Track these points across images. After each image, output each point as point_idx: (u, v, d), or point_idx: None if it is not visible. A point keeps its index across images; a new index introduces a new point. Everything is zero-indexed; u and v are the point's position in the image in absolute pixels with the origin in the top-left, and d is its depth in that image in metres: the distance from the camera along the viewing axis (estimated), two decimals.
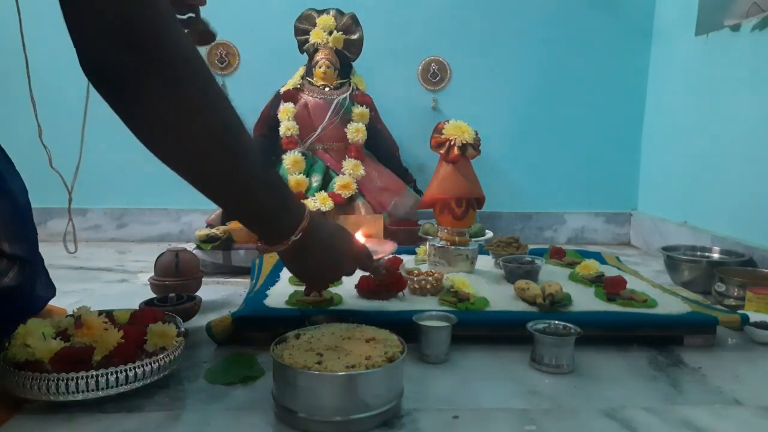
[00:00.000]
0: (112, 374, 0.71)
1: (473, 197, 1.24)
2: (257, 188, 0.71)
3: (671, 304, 1.03)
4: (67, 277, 1.46)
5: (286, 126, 1.67)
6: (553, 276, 1.19)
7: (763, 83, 1.41)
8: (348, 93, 1.73)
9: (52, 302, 0.95)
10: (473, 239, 1.34)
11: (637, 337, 0.97)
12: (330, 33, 1.71)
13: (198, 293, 1.10)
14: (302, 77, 1.75)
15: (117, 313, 0.87)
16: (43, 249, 0.91)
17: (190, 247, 1.41)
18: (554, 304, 0.98)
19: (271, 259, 1.36)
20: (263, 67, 1.92)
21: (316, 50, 1.73)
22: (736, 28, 1.52)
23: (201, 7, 0.91)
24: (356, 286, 1.07)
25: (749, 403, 0.77)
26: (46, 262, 0.93)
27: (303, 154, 1.67)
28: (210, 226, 1.60)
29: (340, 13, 1.75)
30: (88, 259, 1.70)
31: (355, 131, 1.68)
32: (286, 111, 1.69)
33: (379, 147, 1.79)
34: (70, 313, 0.84)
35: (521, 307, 1.01)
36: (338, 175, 1.65)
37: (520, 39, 1.98)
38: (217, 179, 0.69)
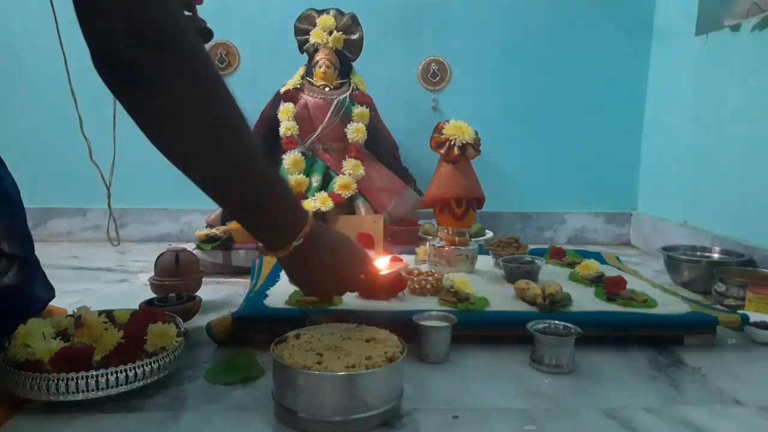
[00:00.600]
0: (112, 374, 0.71)
1: (473, 197, 1.24)
2: (259, 189, 0.70)
3: (671, 304, 1.03)
4: (67, 277, 1.46)
5: (286, 126, 1.67)
6: (553, 276, 1.19)
7: (763, 83, 1.41)
8: (348, 93, 1.73)
9: (52, 302, 0.95)
10: (473, 239, 1.34)
11: (637, 337, 0.97)
12: (330, 33, 1.71)
13: (198, 293, 1.10)
14: (302, 77, 1.75)
15: (117, 313, 0.87)
16: (44, 249, 0.91)
17: (190, 247, 1.41)
18: (554, 304, 0.98)
19: (271, 259, 1.36)
20: (263, 67, 1.92)
21: (316, 50, 1.73)
22: (736, 28, 1.52)
23: (198, 6, 0.92)
24: None
25: (749, 403, 0.77)
26: (47, 262, 0.93)
27: (303, 154, 1.67)
28: (210, 226, 1.60)
29: (340, 13, 1.75)
30: (88, 259, 1.70)
31: (355, 131, 1.68)
32: (286, 111, 1.69)
33: (379, 147, 1.79)
34: (70, 313, 0.84)
35: (521, 307, 1.01)
36: (338, 175, 1.65)
37: (520, 39, 1.98)
38: (219, 177, 0.68)
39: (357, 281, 0.79)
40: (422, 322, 0.89)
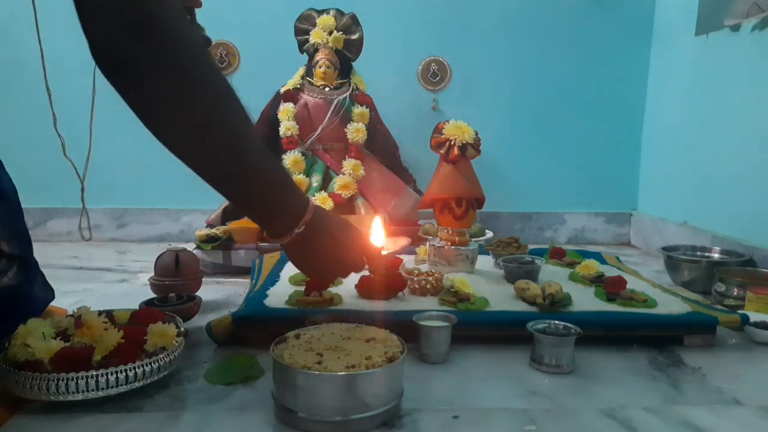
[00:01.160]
0: (112, 374, 0.71)
1: (473, 197, 1.24)
2: (260, 178, 0.70)
3: (671, 304, 1.03)
4: (67, 277, 1.46)
5: (286, 126, 1.67)
6: (553, 276, 1.19)
7: (763, 83, 1.41)
8: (348, 93, 1.73)
9: (52, 303, 0.95)
10: (473, 239, 1.34)
11: (637, 337, 0.97)
12: (330, 33, 1.71)
13: (198, 293, 1.10)
14: (302, 77, 1.75)
15: (117, 313, 0.87)
16: (44, 249, 0.91)
17: (190, 247, 1.41)
18: (554, 304, 0.98)
19: (271, 259, 1.36)
20: (263, 67, 1.91)
21: (316, 50, 1.73)
22: (736, 28, 1.52)
23: (197, 9, 0.92)
24: (356, 286, 1.07)
25: (749, 403, 0.77)
26: (47, 262, 0.93)
27: (303, 154, 1.67)
28: (210, 226, 1.60)
29: (340, 13, 1.75)
30: (88, 259, 1.70)
31: (355, 131, 1.68)
32: (286, 111, 1.69)
33: (379, 147, 1.79)
34: (70, 313, 0.84)
35: (521, 307, 1.01)
36: (338, 175, 1.65)
37: (520, 39, 1.98)
38: (220, 168, 0.68)
39: (358, 264, 0.81)
40: (422, 322, 0.89)
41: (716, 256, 1.48)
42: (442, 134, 1.23)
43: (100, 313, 0.81)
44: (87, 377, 0.70)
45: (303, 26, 1.75)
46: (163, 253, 1.14)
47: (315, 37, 1.71)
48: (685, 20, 1.75)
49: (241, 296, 1.20)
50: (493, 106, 1.99)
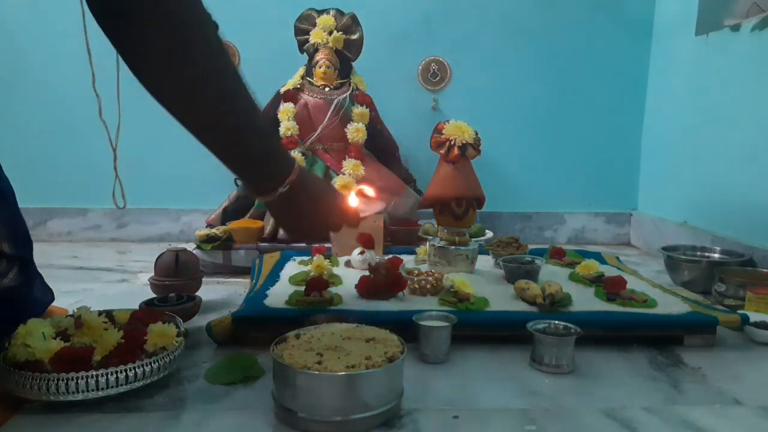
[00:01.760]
0: (112, 374, 0.71)
1: (473, 197, 1.24)
2: (247, 134, 0.72)
3: (671, 304, 1.03)
4: (67, 277, 1.46)
5: (286, 126, 1.67)
6: (553, 276, 1.19)
7: (763, 83, 1.41)
8: (348, 93, 1.73)
9: (52, 304, 0.95)
10: (473, 239, 1.34)
11: (637, 337, 0.97)
12: (330, 33, 1.71)
13: (198, 293, 1.10)
14: (302, 77, 1.75)
15: (117, 313, 0.87)
16: (44, 249, 0.91)
17: (190, 247, 1.41)
18: (554, 304, 0.98)
19: (271, 259, 1.36)
20: (263, 67, 1.91)
21: (316, 50, 1.73)
22: (736, 28, 1.52)
23: None
24: (356, 286, 1.07)
25: (749, 403, 0.77)
26: (47, 262, 0.93)
27: (303, 154, 1.67)
28: (210, 226, 1.60)
29: (340, 13, 1.75)
30: (88, 259, 1.70)
31: (355, 131, 1.68)
32: (286, 111, 1.69)
33: (379, 147, 1.79)
34: (70, 313, 0.84)
35: (521, 307, 1.01)
36: (338, 175, 1.65)
37: (520, 39, 1.98)
38: (209, 124, 0.69)
39: (336, 224, 0.85)
40: (422, 322, 0.89)
41: (716, 256, 1.48)
42: (442, 134, 1.23)
43: (100, 313, 0.81)
44: (87, 377, 0.70)
45: (303, 26, 1.75)
46: (163, 253, 1.14)
47: (315, 37, 1.71)
48: (685, 20, 1.75)
49: (241, 296, 1.20)
50: (493, 105, 1.99)
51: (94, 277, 1.48)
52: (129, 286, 1.38)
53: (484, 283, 1.16)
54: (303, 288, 1.05)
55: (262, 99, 1.79)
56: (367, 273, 1.09)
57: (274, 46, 1.88)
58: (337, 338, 0.76)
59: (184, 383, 0.80)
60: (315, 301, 1.00)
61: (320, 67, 1.71)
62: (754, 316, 1.02)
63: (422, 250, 1.36)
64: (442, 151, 1.23)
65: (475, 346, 0.94)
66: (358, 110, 1.71)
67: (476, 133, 1.24)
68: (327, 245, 1.45)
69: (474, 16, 1.96)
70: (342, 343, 0.74)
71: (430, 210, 1.29)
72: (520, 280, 1.06)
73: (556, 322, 0.89)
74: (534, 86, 2.00)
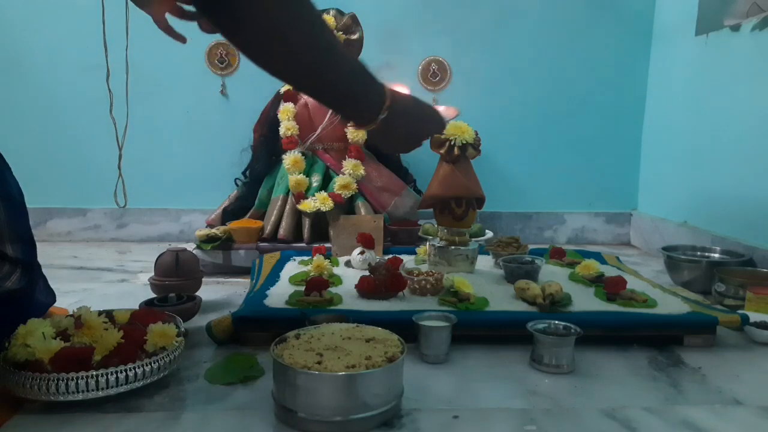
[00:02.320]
0: (112, 374, 0.71)
1: (473, 197, 1.24)
2: (350, 79, 0.75)
3: (671, 304, 1.03)
4: (67, 277, 1.46)
5: (287, 126, 1.67)
6: (553, 276, 1.19)
7: (763, 83, 1.41)
8: None
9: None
10: (473, 239, 1.34)
11: (637, 337, 0.97)
12: None
13: (198, 293, 1.10)
14: None
15: (117, 313, 0.87)
16: (44, 249, 0.91)
17: (190, 247, 1.41)
18: (554, 304, 0.98)
19: (271, 259, 1.36)
20: None
21: None
22: (736, 28, 1.52)
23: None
24: (356, 286, 1.07)
25: (749, 403, 0.77)
26: (47, 262, 0.93)
27: (303, 154, 1.67)
28: (210, 226, 1.60)
29: (340, 13, 1.75)
30: (88, 259, 1.70)
31: (355, 131, 1.68)
32: (286, 111, 1.69)
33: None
34: (71, 313, 0.84)
35: (521, 307, 1.01)
36: (338, 175, 1.65)
37: (520, 39, 1.98)
38: (315, 78, 0.73)
39: (431, 132, 0.93)
40: (422, 322, 0.89)
41: (716, 256, 1.48)
42: (442, 134, 1.23)
43: (100, 313, 0.81)
44: (87, 377, 0.70)
45: None
46: (163, 253, 1.14)
47: None
48: (685, 20, 1.75)
49: (241, 296, 1.20)
50: (493, 106, 1.99)
51: (94, 277, 1.48)
52: (129, 286, 1.38)
53: (484, 283, 1.16)
54: (303, 288, 1.06)
55: (263, 99, 1.79)
56: (367, 273, 1.09)
57: None
58: (337, 338, 0.76)
59: (184, 383, 0.80)
60: (315, 301, 1.00)
61: None
62: (754, 316, 1.02)
63: (422, 250, 1.36)
64: (442, 151, 1.23)
65: (475, 346, 0.94)
66: None
67: (476, 133, 1.24)
68: (327, 245, 1.45)
69: (474, 17, 1.96)
70: (342, 343, 0.74)
71: (430, 210, 1.29)
72: (520, 280, 1.06)
73: (556, 322, 0.89)
74: (534, 86, 2.00)
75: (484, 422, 0.70)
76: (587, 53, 1.99)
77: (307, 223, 1.55)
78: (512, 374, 0.85)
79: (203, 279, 1.18)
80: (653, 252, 1.83)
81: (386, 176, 1.73)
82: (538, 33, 1.97)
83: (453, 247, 1.23)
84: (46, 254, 0.94)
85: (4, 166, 0.84)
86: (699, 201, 1.68)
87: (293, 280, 1.16)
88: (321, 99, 0.82)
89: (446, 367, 0.87)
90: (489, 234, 1.61)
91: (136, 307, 0.96)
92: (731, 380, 0.84)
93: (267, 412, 0.71)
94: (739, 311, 1.04)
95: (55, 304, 0.96)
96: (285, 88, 1.74)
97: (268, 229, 1.55)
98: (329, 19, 1.71)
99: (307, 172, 1.66)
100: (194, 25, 0.88)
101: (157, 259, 1.13)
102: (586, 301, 1.04)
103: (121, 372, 0.71)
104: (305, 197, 1.58)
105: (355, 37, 1.74)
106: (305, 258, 1.35)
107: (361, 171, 1.64)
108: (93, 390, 0.70)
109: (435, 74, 1.98)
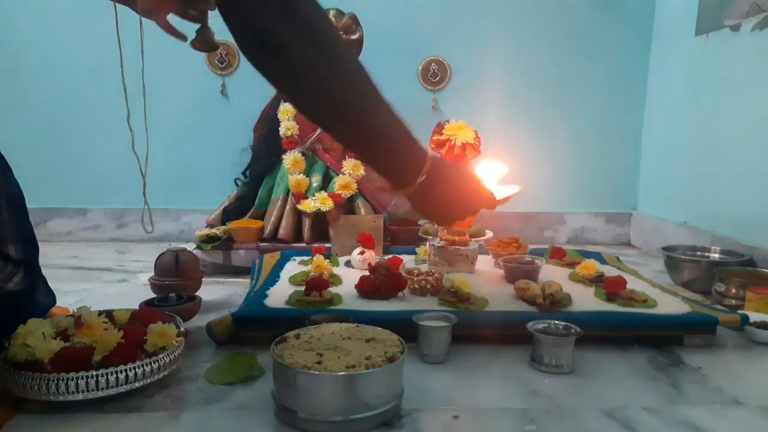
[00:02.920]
0: (112, 374, 0.71)
1: None
2: (388, 138, 0.75)
3: (671, 304, 1.03)
4: (67, 277, 1.46)
5: (287, 126, 1.67)
6: (553, 276, 1.19)
7: (763, 83, 1.41)
8: None
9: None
10: (473, 239, 1.34)
11: (637, 337, 0.97)
12: None
13: (198, 293, 1.10)
14: None
15: (117, 313, 0.87)
16: (44, 249, 0.91)
17: (190, 247, 1.41)
18: (554, 304, 0.98)
19: (271, 259, 1.36)
20: None
21: None
22: (736, 28, 1.52)
23: (210, 12, 0.92)
24: (356, 286, 1.07)
25: (749, 403, 0.77)
26: (47, 262, 0.93)
27: (303, 154, 1.67)
28: (210, 226, 1.60)
29: (340, 13, 1.75)
30: (88, 259, 1.70)
31: None
32: (286, 111, 1.69)
33: None
34: (71, 313, 0.84)
35: (521, 307, 1.01)
36: (338, 175, 1.65)
37: (520, 39, 1.98)
38: (354, 133, 0.74)
39: (476, 208, 0.86)
40: (422, 322, 0.89)
41: (716, 256, 1.48)
42: (442, 134, 1.23)
43: (100, 313, 0.81)
44: (87, 377, 0.70)
45: None
46: (163, 253, 1.14)
47: None
48: (685, 20, 1.75)
49: (241, 296, 1.20)
50: (493, 106, 1.99)
51: (94, 277, 1.48)
52: (129, 286, 1.38)
53: (484, 283, 1.16)
54: (303, 288, 1.05)
55: (262, 99, 1.79)
56: (367, 273, 1.09)
57: None
58: (337, 338, 0.76)
59: (184, 383, 0.80)
60: (315, 301, 1.00)
61: None
62: (754, 316, 1.02)
63: (422, 250, 1.36)
64: (442, 151, 1.23)
65: (475, 346, 0.94)
66: None
67: (476, 133, 1.24)
68: (327, 245, 1.45)
69: (474, 17, 1.96)
70: (342, 343, 0.74)
71: None
72: (520, 280, 1.06)
73: (556, 322, 0.89)
74: (534, 86, 2.00)
75: (484, 422, 0.70)
76: (587, 53, 1.99)
77: (307, 223, 1.55)
78: (512, 374, 0.85)
79: (203, 279, 1.18)
80: (653, 252, 1.83)
81: None
82: (538, 33, 1.97)
83: (453, 247, 1.23)
84: (46, 254, 0.94)
85: (6, 167, 0.84)
86: (699, 201, 1.68)
87: (293, 280, 1.16)
88: (361, 153, 0.81)
89: (446, 367, 0.87)
90: (489, 234, 1.61)
91: (136, 307, 0.96)
92: (731, 380, 0.84)
93: (267, 412, 0.71)
94: (739, 311, 1.04)
95: (56, 304, 0.96)
96: None
97: (268, 229, 1.55)
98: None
99: (307, 172, 1.66)
100: (194, 25, 0.88)
101: (157, 259, 1.13)
102: (586, 301, 1.04)
103: (121, 372, 0.71)
104: (305, 197, 1.58)
105: (355, 37, 1.74)
106: (305, 258, 1.35)
107: (361, 171, 1.64)
108: (93, 390, 0.70)
109: (435, 74, 1.98)
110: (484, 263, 1.32)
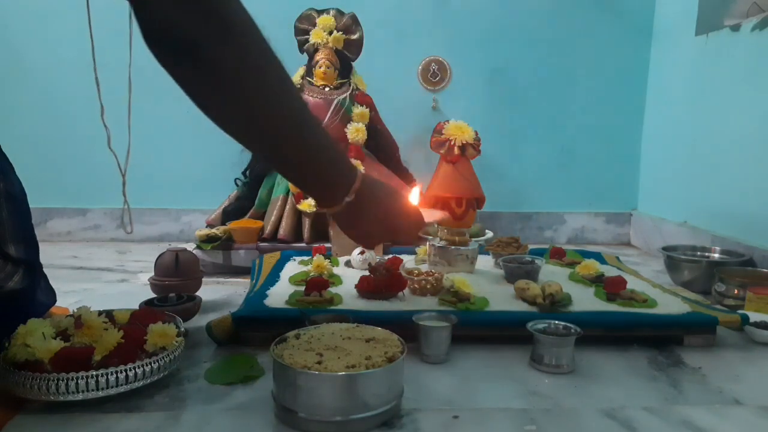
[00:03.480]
0: (112, 374, 0.71)
1: (473, 197, 1.24)
2: (310, 151, 0.71)
3: (671, 304, 1.03)
4: (67, 277, 1.46)
5: None
6: (553, 276, 1.19)
7: (763, 83, 1.41)
8: (348, 93, 1.73)
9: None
10: (473, 239, 1.34)
11: (637, 337, 0.97)
12: (330, 33, 1.71)
13: (198, 293, 1.10)
14: (302, 77, 1.75)
15: (117, 313, 0.87)
16: (44, 249, 0.91)
17: (190, 247, 1.41)
18: (554, 304, 0.98)
19: (271, 259, 1.36)
20: None
21: (316, 50, 1.73)
22: (736, 28, 1.52)
23: None
24: (356, 286, 1.07)
25: (749, 403, 0.77)
26: (47, 262, 0.93)
27: None
28: (210, 226, 1.60)
29: (340, 13, 1.75)
30: (88, 259, 1.70)
31: (355, 131, 1.68)
32: None
33: (379, 147, 1.79)
34: (71, 313, 0.84)
35: (521, 307, 1.01)
36: None
37: (520, 39, 1.98)
38: (275, 147, 0.70)
39: (405, 232, 0.82)
40: (422, 322, 0.89)
41: (716, 256, 1.48)
42: (442, 134, 1.23)
43: (100, 313, 0.81)
44: (87, 377, 0.70)
45: (303, 26, 1.75)
46: (163, 253, 1.14)
47: (315, 37, 1.71)
48: (685, 20, 1.75)
49: (241, 296, 1.20)
50: (493, 106, 1.99)
51: (94, 277, 1.48)
52: (129, 286, 1.38)
53: (484, 283, 1.16)
54: (303, 288, 1.05)
55: None
56: (367, 273, 1.09)
57: (274, 46, 1.87)
58: (337, 338, 0.76)
59: (184, 383, 0.80)
60: (315, 301, 1.00)
61: (320, 67, 1.71)
62: (754, 316, 1.02)
63: (422, 250, 1.36)
64: (442, 151, 1.23)
65: (475, 346, 0.94)
66: (358, 110, 1.71)
67: (476, 133, 1.24)
68: (327, 245, 1.45)
69: (474, 17, 1.96)
70: (342, 343, 0.74)
71: None
72: (520, 280, 1.06)
73: (556, 322, 0.89)
74: (534, 86, 2.00)
75: (484, 422, 0.70)
76: (587, 53, 1.99)
77: (307, 223, 1.55)
78: (512, 374, 0.85)
79: (203, 279, 1.18)
80: (653, 252, 1.83)
81: (386, 176, 1.73)
82: (538, 33, 1.97)
83: (453, 247, 1.23)
84: (46, 254, 0.94)
85: (8, 165, 0.84)
86: (699, 201, 1.68)
87: (293, 280, 1.16)
88: (283, 168, 0.76)
89: (446, 367, 0.87)
90: (489, 234, 1.61)
91: (136, 307, 0.96)
92: (731, 380, 0.84)
93: (267, 412, 0.71)
94: (739, 311, 1.04)
95: (56, 304, 0.96)
96: None
97: (268, 229, 1.55)
98: (329, 19, 1.72)
99: None
100: None
101: (157, 259, 1.13)
102: (586, 301, 1.04)
103: (121, 372, 0.71)
104: (305, 197, 1.58)
105: (355, 37, 1.74)
106: (305, 258, 1.35)
107: (361, 171, 1.64)
108: (93, 390, 0.70)
109: (435, 74, 1.98)
110: (484, 263, 1.32)
